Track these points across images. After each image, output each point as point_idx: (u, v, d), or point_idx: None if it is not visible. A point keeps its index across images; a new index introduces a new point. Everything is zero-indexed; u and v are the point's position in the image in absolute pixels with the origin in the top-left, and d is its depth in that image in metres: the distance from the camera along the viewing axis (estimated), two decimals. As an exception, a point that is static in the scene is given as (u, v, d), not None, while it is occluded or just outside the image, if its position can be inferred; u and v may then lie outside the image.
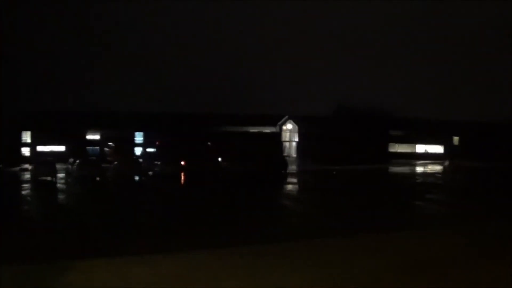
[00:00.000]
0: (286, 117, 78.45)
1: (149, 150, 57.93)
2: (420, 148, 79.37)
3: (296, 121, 77.14)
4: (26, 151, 61.67)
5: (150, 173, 41.80)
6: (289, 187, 36.37)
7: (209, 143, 49.95)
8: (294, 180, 40.88)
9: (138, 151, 60.91)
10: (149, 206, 25.25)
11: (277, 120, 78.66)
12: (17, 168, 48.38)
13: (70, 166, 41.62)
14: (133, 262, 11.70)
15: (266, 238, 15.45)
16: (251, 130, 72.67)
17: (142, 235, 16.41)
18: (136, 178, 40.02)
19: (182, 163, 41.94)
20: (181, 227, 17.90)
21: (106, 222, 19.30)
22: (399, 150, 77.04)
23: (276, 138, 73.03)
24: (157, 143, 46.65)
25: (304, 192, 34.39)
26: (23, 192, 32.66)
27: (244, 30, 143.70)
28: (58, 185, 35.50)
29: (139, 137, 64.77)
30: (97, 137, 63.97)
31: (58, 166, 39.75)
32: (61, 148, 61.21)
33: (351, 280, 10.36)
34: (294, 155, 75.40)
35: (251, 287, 9.82)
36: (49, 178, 36.74)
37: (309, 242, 14.71)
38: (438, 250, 13.42)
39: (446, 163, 57.15)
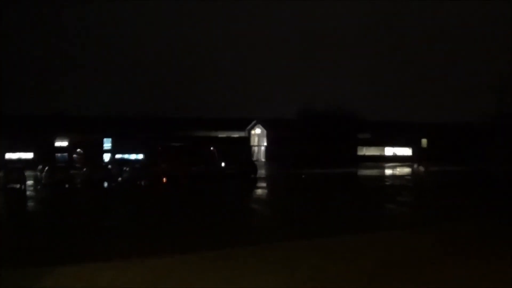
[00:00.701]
0: (255, 121, 78.99)
1: (118, 156, 57.90)
2: (389, 151, 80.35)
3: (264, 125, 77.73)
4: (-6, 158, 61.00)
5: (120, 179, 41.93)
6: (259, 191, 36.85)
7: (179, 147, 50.10)
8: (263, 184, 41.38)
9: (106, 157, 60.76)
10: (119, 212, 25.37)
11: (245, 124, 79.19)
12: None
13: (39, 173, 41.48)
14: (103, 268, 11.82)
15: (236, 241, 15.69)
16: (220, 135, 72.99)
17: (112, 241, 16.43)
18: (106, 184, 40.12)
19: (154, 169, 42.09)
20: (150, 232, 18.02)
21: (76, 229, 19.35)
22: (367, 153, 78.00)
23: (245, 142, 73.54)
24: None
25: (273, 196, 34.80)
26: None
27: (213, 34, 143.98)
28: (28, 192, 35.47)
29: (107, 143, 64.63)
30: (65, 143, 63.64)
31: (27, 173, 39.69)
32: (29, 155, 60.76)
33: (322, 282, 10.72)
34: (263, 159, 75.99)
35: None
36: (18, 186, 36.71)
37: (279, 245, 14.96)
38: (408, 250, 13.98)
39: (417, 166, 58.33)
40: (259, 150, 78.56)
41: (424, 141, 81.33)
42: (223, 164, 43.84)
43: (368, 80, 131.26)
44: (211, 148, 45.46)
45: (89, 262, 12.47)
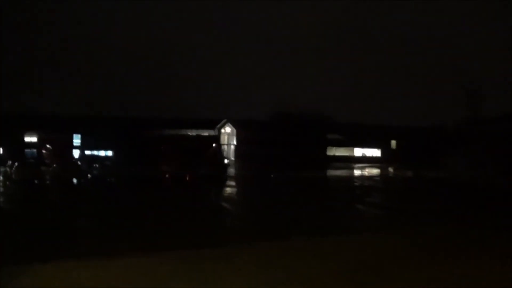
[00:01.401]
0: (225, 120, 79.21)
1: (88, 152, 57.67)
2: (358, 152, 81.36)
3: (234, 124, 77.99)
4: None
5: (89, 176, 41.86)
6: (228, 190, 37.13)
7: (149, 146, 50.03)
8: (233, 183, 41.68)
9: (76, 154, 60.30)
10: (90, 210, 25.26)
11: (216, 123, 79.39)
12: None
13: (8, 169, 41.23)
14: (77, 267, 11.87)
15: (209, 240, 15.95)
16: (190, 134, 73.04)
17: (85, 239, 16.59)
18: (75, 181, 40.02)
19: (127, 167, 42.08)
20: (121, 231, 18.07)
21: (47, 226, 19.29)
22: (337, 154, 78.79)
23: (215, 141, 73.63)
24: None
25: (243, 196, 35.18)
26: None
27: (186, 34, 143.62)
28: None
29: (77, 140, 64.21)
30: (34, 139, 63.12)
31: (-4, 169, 39.47)
32: (-1, 150, 60.14)
33: (295, 282, 10.97)
34: (232, 159, 76.22)
35: None
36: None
37: (251, 245, 15.13)
38: (381, 251, 14.36)
39: (389, 169, 59.23)
40: (228, 149, 78.73)
41: (393, 143, 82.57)
42: (191, 163, 43.87)
43: (340, 83, 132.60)
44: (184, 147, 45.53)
45: (62, 261, 12.47)
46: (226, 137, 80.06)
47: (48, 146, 54.85)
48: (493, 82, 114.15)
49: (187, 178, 40.19)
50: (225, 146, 78.72)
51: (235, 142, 77.79)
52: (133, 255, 13.25)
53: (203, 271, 11.78)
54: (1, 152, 59.09)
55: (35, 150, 59.33)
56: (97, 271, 11.56)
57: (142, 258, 12.93)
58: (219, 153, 51.57)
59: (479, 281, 11.32)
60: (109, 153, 55.55)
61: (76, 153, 60.10)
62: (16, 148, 57.47)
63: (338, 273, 11.83)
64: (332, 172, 57.54)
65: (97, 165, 43.18)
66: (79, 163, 46.49)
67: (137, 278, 11.13)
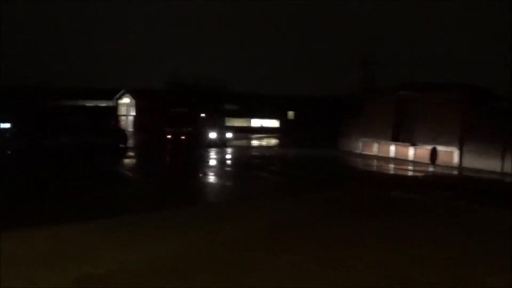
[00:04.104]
0: (123, 91, 77.96)
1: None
2: (256, 122, 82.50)
3: (133, 95, 76.94)
4: None
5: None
6: (127, 161, 36.63)
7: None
8: (132, 154, 41.25)
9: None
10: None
11: (114, 93, 77.98)
12: None
13: None
14: (3, 238, 11.44)
15: (115, 208, 16.20)
16: (88, 104, 71.30)
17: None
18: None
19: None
20: (29, 204, 17.24)
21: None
22: (235, 124, 79.63)
23: (114, 112, 72.46)
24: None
25: (143, 164, 35.09)
26: None
27: (83, 5, 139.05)
28: None
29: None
30: None
31: None
32: None
33: (222, 245, 11.26)
34: (131, 129, 75.33)
35: (127, 256, 10.27)
36: None
37: (172, 212, 15.35)
38: (292, 214, 15.02)
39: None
40: (127, 120, 77.65)
41: (290, 113, 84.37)
42: (92, 134, 42.94)
43: (237, 53, 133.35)
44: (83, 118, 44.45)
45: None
46: (125, 108, 78.82)
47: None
48: (386, 52, 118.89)
49: (87, 148, 39.32)
50: (124, 117, 77.61)
51: (133, 113, 76.80)
52: (52, 226, 12.90)
53: (130, 236, 11.91)
54: None
55: None
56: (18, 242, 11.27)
57: (66, 227, 12.75)
58: (117, 121, 50.92)
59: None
60: (7, 125, 53.06)
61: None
62: None
63: (255, 234, 12.37)
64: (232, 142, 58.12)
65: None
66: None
67: (69, 245, 11.08)
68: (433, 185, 26.39)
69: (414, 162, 38.95)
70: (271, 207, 16.47)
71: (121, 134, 47.60)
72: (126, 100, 77.78)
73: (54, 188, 21.34)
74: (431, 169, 34.27)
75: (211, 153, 41.25)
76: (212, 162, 35.05)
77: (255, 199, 18.98)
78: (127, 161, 35.73)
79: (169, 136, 50.72)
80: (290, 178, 27.30)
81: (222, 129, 52.30)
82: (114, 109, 74.96)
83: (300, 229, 12.97)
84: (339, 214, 15.41)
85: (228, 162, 36.17)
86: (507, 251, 11.33)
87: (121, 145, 44.05)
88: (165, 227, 13.12)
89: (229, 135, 53.88)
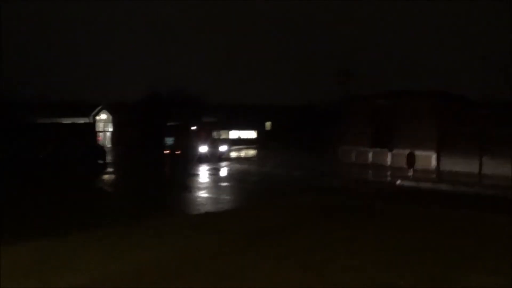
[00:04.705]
0: (100, 107, 77.66)
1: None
2: (234, 134, 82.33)
3: (110, 110, 76.64)
4: None
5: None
6: (107, 176, 36.48)
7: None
8: (111, 169, 41.10)
9: None
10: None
11: (91, 110, 77.57)
12: None
13: None
14: None
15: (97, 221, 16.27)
16: (65, 121, 70.65)
17: None
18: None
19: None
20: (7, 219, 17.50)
21: None
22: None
23: (91, 128, 71.96)
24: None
25: (123, 179, 34.99)
26: None
27: (59, 16, 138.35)
28: None
29: None
30: None
31: None
32: None
33: (197, 250, 11.59)
34: (109, 145, 74.93)
35: (111, 265, 10.48)
36: None
37: (149, 222, 15.52)
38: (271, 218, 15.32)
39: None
40: (105, 136, 77.19)
41: (268, 124, 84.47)
42: (70, 151, 42.78)
43: (213, 64, 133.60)
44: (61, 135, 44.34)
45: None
46: (102, 124, 78.42)
47: None
48: (363, 62, 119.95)
49: (65, 164, 39.21)
50: (102, 133, 77.17)
51: (111, 128, 76.51)
52: (34, 240, 12.97)
53: (111, 246, 12.07)
54: None
55: None
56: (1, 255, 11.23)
57: (46, 241, 12.82)
58: (95, 137, 50.65)
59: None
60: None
61: None
62: None
63: (231, 241, 12.61)
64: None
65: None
66: None
67: (46, 258, 11.11)
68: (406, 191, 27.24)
69: (392, 168, 39.45)
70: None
71: (100, 149, 47.48)
72: (103, 116, 77.42)
73: (33, 203, 21.35)
74: (408, 174, 34.67)
75: (200, 169, 40.92)
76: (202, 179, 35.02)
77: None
78: (105, 177, 35.58)
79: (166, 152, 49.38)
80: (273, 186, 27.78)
81: (215, 142, 50.52)
82: (92, 125, 74.40)
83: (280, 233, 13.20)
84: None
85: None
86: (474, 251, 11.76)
87: (100, 161, 43.91)
88: (146, 236, 13.27)
89: (223, 148, 51.19)
